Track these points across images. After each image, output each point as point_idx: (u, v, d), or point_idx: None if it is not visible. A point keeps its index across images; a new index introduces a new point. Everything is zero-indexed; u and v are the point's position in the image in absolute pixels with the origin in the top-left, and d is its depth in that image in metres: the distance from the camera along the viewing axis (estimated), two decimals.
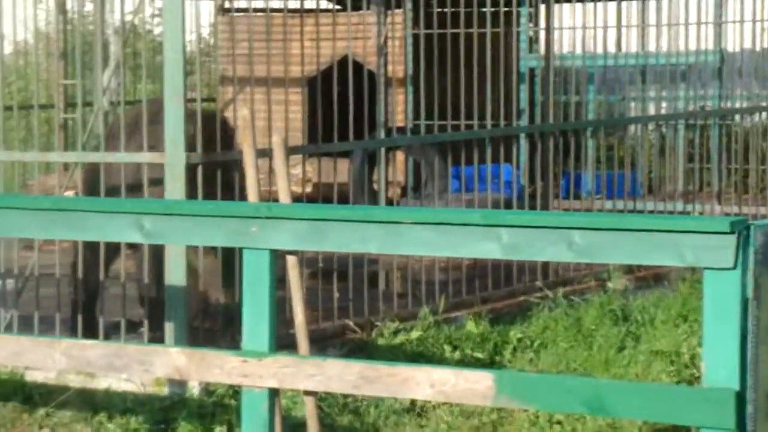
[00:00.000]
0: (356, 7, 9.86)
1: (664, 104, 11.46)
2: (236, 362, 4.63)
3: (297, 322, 5.24)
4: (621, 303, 8.31)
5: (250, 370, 4.59)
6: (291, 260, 5.25)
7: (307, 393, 5.14)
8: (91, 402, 6.69)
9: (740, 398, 4.03)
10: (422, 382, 4.40)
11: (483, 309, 8.23)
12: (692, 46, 10.55)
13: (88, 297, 7.32)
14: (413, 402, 6.54)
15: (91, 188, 7.20)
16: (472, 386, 4.35)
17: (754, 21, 10.82)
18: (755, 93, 11.10)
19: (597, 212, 9.31)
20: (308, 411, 5.25)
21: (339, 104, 7.89)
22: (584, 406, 4.33)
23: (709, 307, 4.11)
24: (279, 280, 4.87)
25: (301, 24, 7.88)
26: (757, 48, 10.86)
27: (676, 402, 4.20)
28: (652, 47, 11.19)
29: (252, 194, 5.37)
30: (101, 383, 6.86)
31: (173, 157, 6.86)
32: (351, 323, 7.58)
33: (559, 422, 6.31)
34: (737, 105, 11.49)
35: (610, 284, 8.86)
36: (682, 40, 10.44)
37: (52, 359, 4.97)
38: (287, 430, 5.83)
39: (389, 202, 9.24)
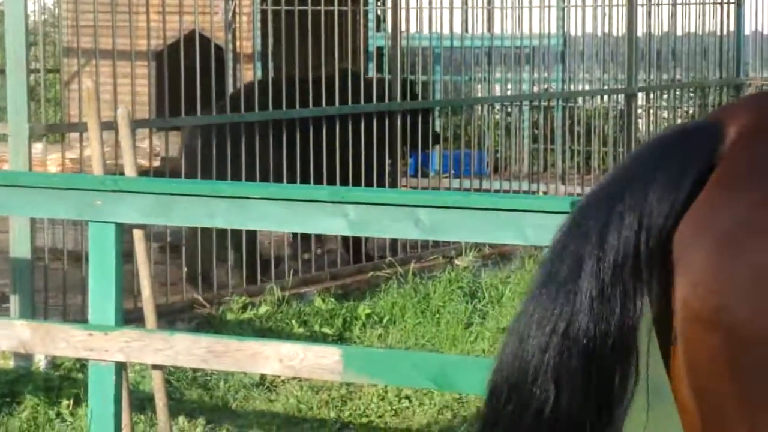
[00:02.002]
0: None
1: (509, 86, 11.64)
2: (82, 336, 4.58)
3: (144, 296, 5.20)
4: (469, 280, 8.44)
5: (96, 344, 4.55)
6: (137, 234, 5.21)
7: (155, 367, 5.11)
8: None
9: None
10: (270, 357, 4.41)
11: (332, 285, 8.27)
12: (536, 30, 10.73)
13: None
14: (263, 377, 6.55)
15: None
16: (320, 361, 4.38)
17: (595, 6, 11.06)
18: (597, 77, 11.34)
19: (443, 191, 9.42)
20: (156, 385, 5.22)
21: (186, 78, 7.83)
22: (430, 381, 4.39)
23: None
24: (127, 254, 4.83)
25: None
26: (599, 33, 11.10)
27: None
28: (497, 29, 11.35)
29: (97, 167, 5.30)
30: None
31: (16, 128, 6.74)
32: (200, 298, 7.55)
33: (407, 397, 6.38)
34: (580, 88, 11.74)
35: (458, 262, 8.98)
36: (526, 23, 10.61)
37: None
38: (135, 404, 5.79)
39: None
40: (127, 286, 5.44)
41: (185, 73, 7.81)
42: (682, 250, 2.29)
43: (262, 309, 7.55)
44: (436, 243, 9.05)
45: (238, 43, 10.59)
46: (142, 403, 6.03)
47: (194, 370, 6.47)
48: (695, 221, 2.29)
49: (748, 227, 2.22)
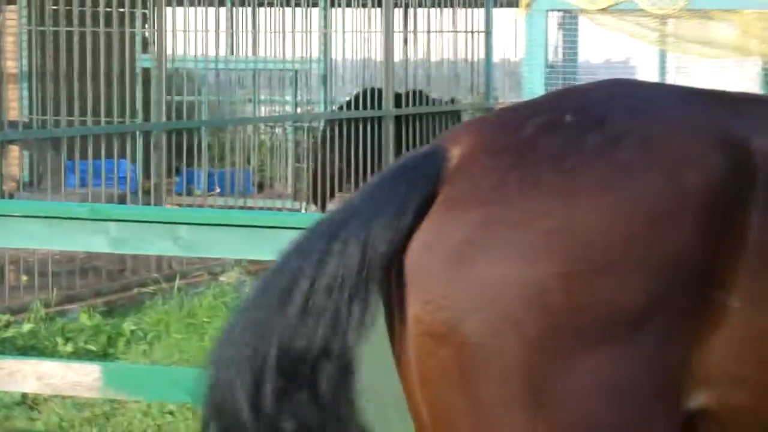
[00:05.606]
0: None
1: (276, 107, 11.90)
2: None
3: None
4: (233, 295, 8.60)
5: None
6: None
7: None
8: None
9: None
10: (29, 375, 4.38)
11: (97, 301, 8.33)
12: (299, 54, 11.04)
13: None
14: (24, 395, 6.53)
15: None
16: (80, 378, 4.35)
17: (354, 32, 11.45)
18: None
19: (205, 208, 9.61)
20: None
21: None
22: (189, 395, 4.46)
23: None
24: None
25: None
26: (358, 57, 11.47)
27: None
28: (262, 53, 11.61)
29: None
30: None
31: None
32: None
33: (170, 412, 6.43)
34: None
35: (222, 278, 9.15)
36: (289, 48, 10.91)
37: None
38: None
39: (4, 197, 9.17)
40: None
41: None
42: (412, 270, 2.37)
43: (26, 326, 7.57)
44: (201, 259, 9.22)
45: (3, 63, 10.55)
46: None
47: None
48: (423, 242, 2.38)
49: (471, 244, 2.32)
